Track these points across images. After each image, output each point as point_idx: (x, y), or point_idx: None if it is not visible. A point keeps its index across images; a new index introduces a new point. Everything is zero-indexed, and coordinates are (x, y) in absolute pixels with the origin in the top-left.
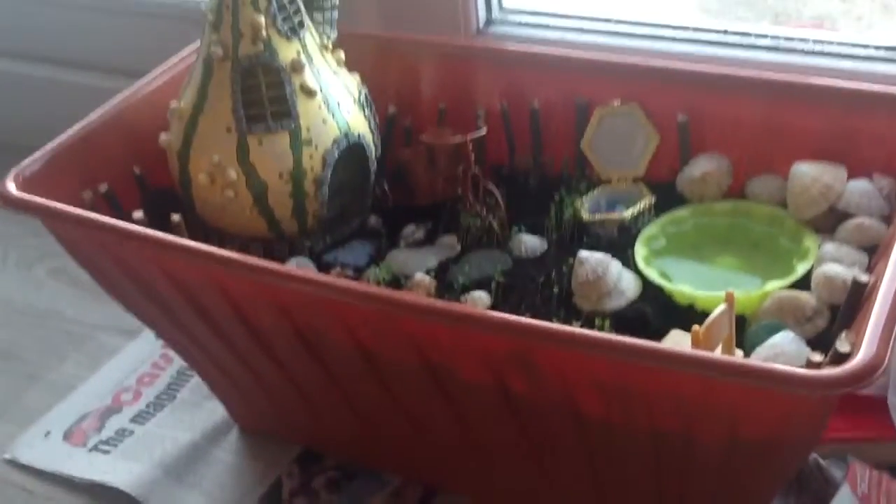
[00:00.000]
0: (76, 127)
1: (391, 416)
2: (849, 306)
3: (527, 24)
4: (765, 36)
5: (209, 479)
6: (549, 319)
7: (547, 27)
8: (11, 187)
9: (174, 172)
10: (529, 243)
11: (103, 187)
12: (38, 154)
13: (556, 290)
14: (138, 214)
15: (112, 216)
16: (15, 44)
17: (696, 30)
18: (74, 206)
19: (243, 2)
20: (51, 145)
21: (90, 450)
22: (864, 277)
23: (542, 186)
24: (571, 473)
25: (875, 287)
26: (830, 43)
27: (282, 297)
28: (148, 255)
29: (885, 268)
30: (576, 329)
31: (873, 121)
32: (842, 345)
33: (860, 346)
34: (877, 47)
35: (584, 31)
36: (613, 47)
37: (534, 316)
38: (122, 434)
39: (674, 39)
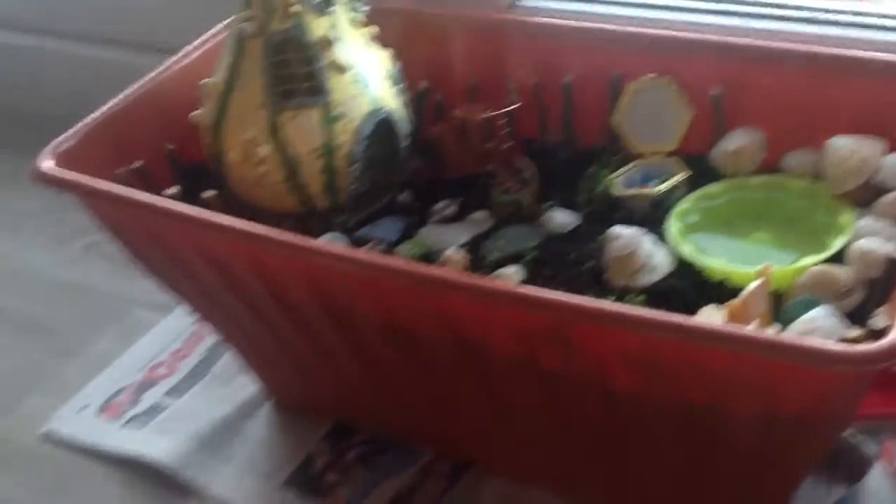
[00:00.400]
0: (110, 104)
1: (423, 390)
2: (885, 282)
3: None
4: (801, 7)
5: (242, 453)
6: (582, 295)
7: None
8: (50, 165)
9: (207, 149)
10: (561, 218)
11: (137, 164)
12: (72, 131)
13: (588, 265)
14: (173, 190)
15: (145, 192)
16: (47, 19)
17: (730, 1)
18: (109, 182)
19: None
20: (85, 122)
21: (126, 423)
22: None
23: (574, 161)
24: (604, 450)
25: None
26: (868, 14)
27: (315, 272)
28: (184, 231)
29: None
30: (610, 304)
31: None
32: (877, 320)
33: None
34: None
35: (617, 3)
36: (647, 20)
37: (566, 291)
38: (156, 408)
39: (708, 12)
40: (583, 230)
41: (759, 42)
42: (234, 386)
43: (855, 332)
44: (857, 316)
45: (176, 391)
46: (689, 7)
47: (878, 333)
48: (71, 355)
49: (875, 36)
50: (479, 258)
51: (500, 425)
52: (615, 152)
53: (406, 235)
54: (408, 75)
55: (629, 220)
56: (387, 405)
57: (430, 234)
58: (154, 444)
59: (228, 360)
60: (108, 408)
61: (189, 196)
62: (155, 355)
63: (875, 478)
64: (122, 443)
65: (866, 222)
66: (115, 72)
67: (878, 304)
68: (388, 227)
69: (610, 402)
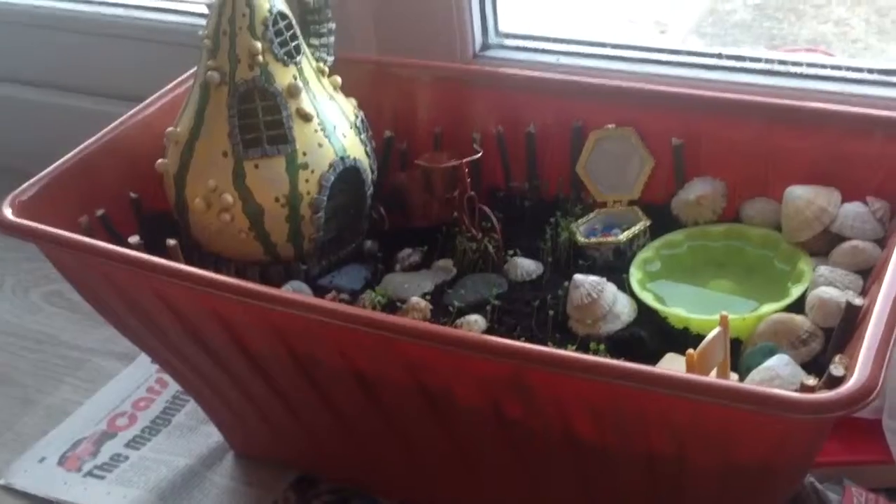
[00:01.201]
0: (74, 152)
1: (387, 439)
2: (843, 329)
3: (523, 49)
4: (759, 59)
5: None
6: (545, 343)
7: (543, 51)
8: (8, 212)
9: (171, 197)
10: (525, 266)
11: (100, 212)
12: (35, 179)
13: (551, 313)
14: (134, 239)
15: (108, 241)
16: (14, 68)
17: (690, 53)
18: (71, 230)
19: (240, 28)
20: (48, 170)
21: (85, 475)
22: (857, 301)
23: (537, 210)
24: (567, 497)
25: (869, 310)
26: (824, 66)
27: (277, 321)
28: (143, 280)
29: (879, 291)
30: (569, 353)
31: (867, 144)
32: (836, 368)
33: (854, 369)
34: (870, 70)
35: (580, 55)
36: (609, 71)
37: (529, 339)
38: (117, 459)
39: (669, 63)
40: (546, 278)
41: (718, 93)
42: (197, 436)
43: (813, 380)
44: (815, 364)
45: (137, 442)
46: (650, 59)
47: (837, 381)
48: (31, 405)
49: (831, 87)
50: (443, 306)
51: (465, 473)
52: (578, 201)
53: (370, 283)
54: (373, 124)
55: (592, 269)
56: (352, 455)
57: (394, 283)
58: (114, 496)
59: (191, 410)
60: (67, 459)
61: (153, 245)
62: (116, 405)
63: None
64: (81, 495)
65: (824, 270)
66: (81, 120)
67: (837, 352)
68: (352, 276)
69: (573, 451)
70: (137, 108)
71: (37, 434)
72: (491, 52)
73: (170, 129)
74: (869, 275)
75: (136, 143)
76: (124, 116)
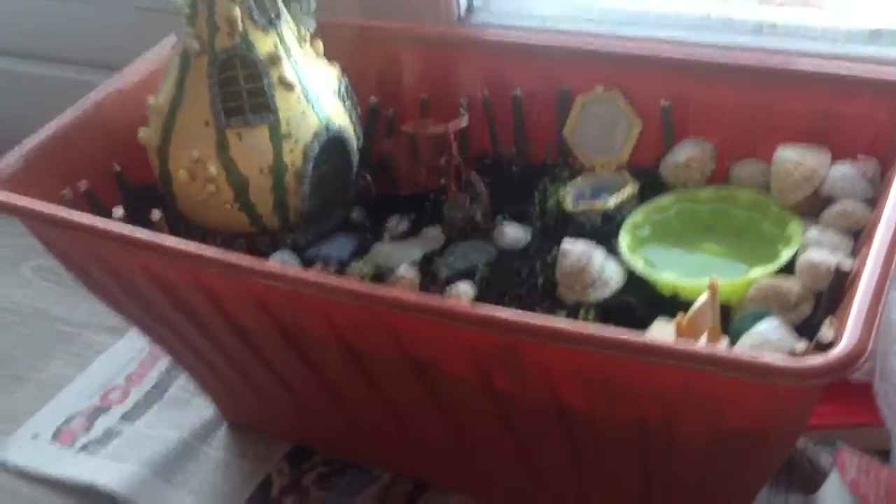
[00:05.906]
0: (53, 123)
1: (377, 411)
2: (832, 293)
3: (508, 12)
4: (747, 20)
5: (198, 478)
6: (533, 310)
7: (528, 14)
8: None
9: (154, 169)
10: (513, 233)
11: (83, 185)
12: (15, 152)
13: (540, 280)
14: (118, 212)
15: (93, 214)
16: None
17: (678, 15)
18: (54, 203)
19: None
20: (28, 143)
21: (78, 450)
22: (847, 263)
23: (525, 175)
24: (557, 468)
25: (859, 272)
26: (814, 27)
27: (262, 293)
28: (128, 254)
29: (869, 253)
30: (558, 322)
31: (857, 103)
32: (825, 332)
33: (843, 333)
34: (860, 29)
35: (566, 17)
36: (595, 34)
37: (518, 307)
38: (110, 434)
39: (656, 25)
40: (535, 245)
41: (705, 55)
42: (190, 409)
43: (803, 344)
44: (806, 327)
45: (130, 416)
46: (637, 21)
47: (827, 345)
48: (23, 381)
49: (820, 46)
50: (432, 274)
51: (456, 444)
52: (566, 166)
53: (358, 253)
54: (357, 91)
55: (580, 234)
56: (343, 427)
57: (383, 252)
58: (108, 471)
59: (184, 383)
60: (60, 435)
61: (138, 217)
62: (108, 380)
63: (831, 487)
64: (74, 471)
65: (814, 233)
66: (59, 89)
67: (827, 315)
68: (339, 245)
69: (563, 420)
70: (116, 76)
71: (29, 410)
72: (476, 16)
73: (150, 98)
74: (859, 236)
75: (117, 113)
76: (103, 85)
